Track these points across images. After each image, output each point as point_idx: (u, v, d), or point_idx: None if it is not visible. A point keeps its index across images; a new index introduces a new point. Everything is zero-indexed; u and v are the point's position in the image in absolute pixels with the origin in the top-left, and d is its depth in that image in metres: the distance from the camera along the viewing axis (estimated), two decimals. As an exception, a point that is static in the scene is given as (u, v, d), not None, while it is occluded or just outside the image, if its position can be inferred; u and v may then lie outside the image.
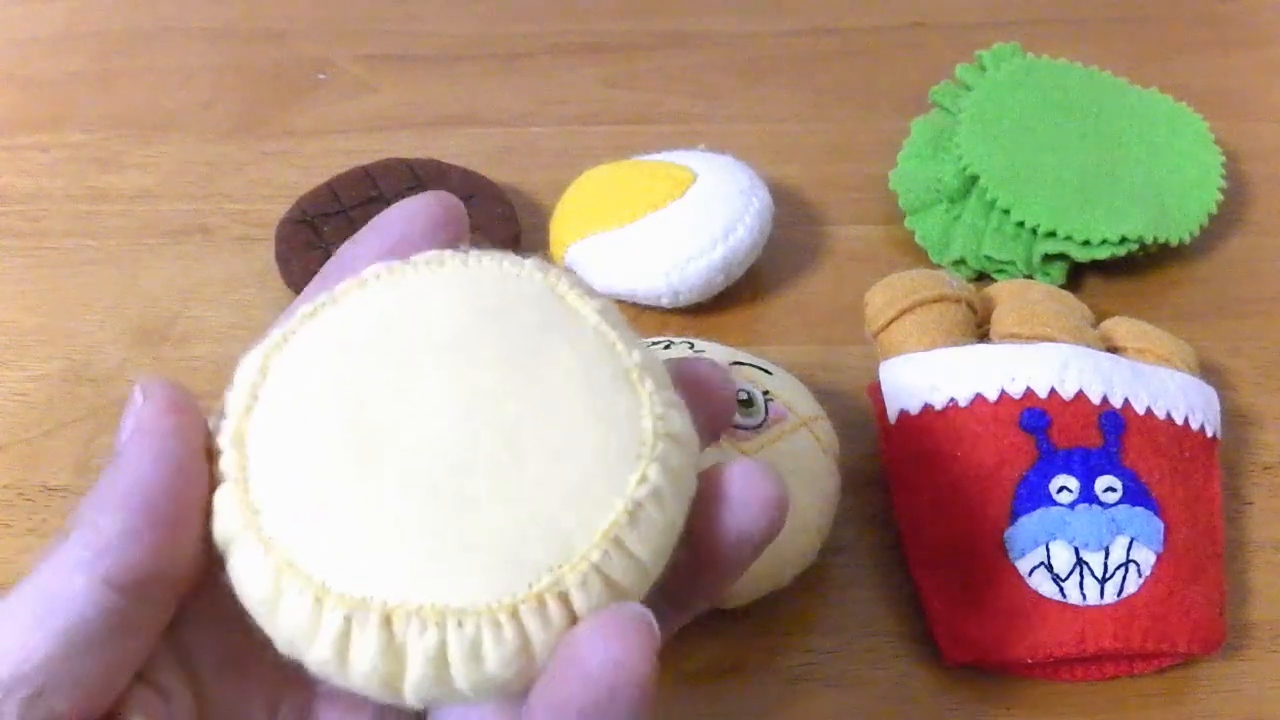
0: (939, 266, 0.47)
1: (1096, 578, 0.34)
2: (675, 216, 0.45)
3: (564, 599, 0.21)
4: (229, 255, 0.49)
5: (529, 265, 0.24)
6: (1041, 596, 0.34)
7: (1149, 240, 0.46)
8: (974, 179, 0.47)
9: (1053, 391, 0.36)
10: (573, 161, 0.51)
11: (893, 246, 0.49)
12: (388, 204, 0.48)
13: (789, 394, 0.38)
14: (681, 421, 0.23)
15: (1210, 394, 0.39)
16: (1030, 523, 0.35)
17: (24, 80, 0.60)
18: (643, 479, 0.22)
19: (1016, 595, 0.34)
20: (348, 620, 0.20)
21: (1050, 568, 0.34)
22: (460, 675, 0.21)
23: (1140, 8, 0.64)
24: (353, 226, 0.48)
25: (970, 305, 0.40)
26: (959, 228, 0.47)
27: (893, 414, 0.38)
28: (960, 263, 0.47)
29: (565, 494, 0.21)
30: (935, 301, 0.39)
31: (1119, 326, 0.40)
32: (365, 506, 0.21)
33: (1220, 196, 0.48)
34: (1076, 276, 0.47)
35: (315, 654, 0.21)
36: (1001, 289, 0.42)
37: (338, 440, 0.22)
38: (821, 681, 0.36)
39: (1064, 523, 0.35)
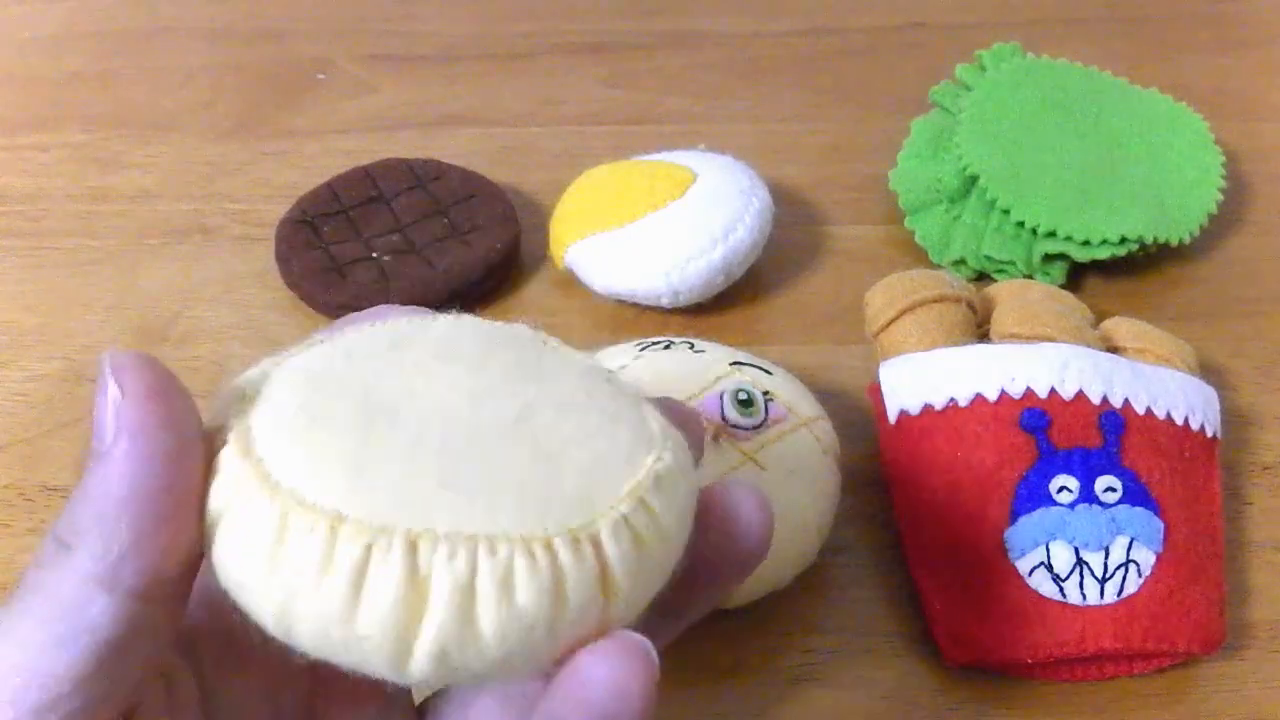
0: (939, 266, 0.47)
1: (1096, 578, 0.34)
2: (675, 216, 0.45)
3: (596, 543, 0.20)
4: (229, 255, 0.49)
5: (519, 324, 0.24)
6: (1042, 596, 0.34)
7: (1149, 240, 0.46)
8: (974, 179, 0.47)
9: (1053, 391, 0.36)
10: (573, 161, 0.51)
11: (893, 246, 0.49)
12: (388, 204, 0.49)
13: (789, 394, 0.38)
14: (680, 435, 0.23)
15: (1210, 394, 0.39)
16: (1030, 523, 0.35)
17: (24, 80, 0.60)
18: (658, 459, 0.21)
19: (1017, 595, 0.34)
20: (367, 550, 0.19)
21: (1050, 568, 0.34)
22: (488, 612, 0.19)
23: (1140, 8, 0.64)
24: (353, 226, 0.48)
25: (970, 305, 0.40)
26: (959, 228, 0.47)
27: (893, 414, 0.38)
28: (960, 263, 0.47)
29: (588, 459, 0.21)
30: (935, 302, 0.39)
31: (1119, 326, 0.40)
32: (376, 453, 0.20)
33: (1220, 196, 0.48)
34: (1076, 276, 0.47)
35: (323, 600, 0.19)
36: (1001, 289, 0.42)
37: (343, 409, 0.21)
38: (821, 681, 0.36)
39: (1064, 523, 0.35)
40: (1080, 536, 0.35)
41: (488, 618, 0.19)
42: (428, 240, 0.47)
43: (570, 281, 0.47)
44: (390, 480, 0.19)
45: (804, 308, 0.47)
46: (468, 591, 0.19)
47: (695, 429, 0.25)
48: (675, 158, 0.48)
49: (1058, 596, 0.34)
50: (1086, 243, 0.45)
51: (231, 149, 0.55)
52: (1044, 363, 0.37)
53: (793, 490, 0.35)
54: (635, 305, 0.46)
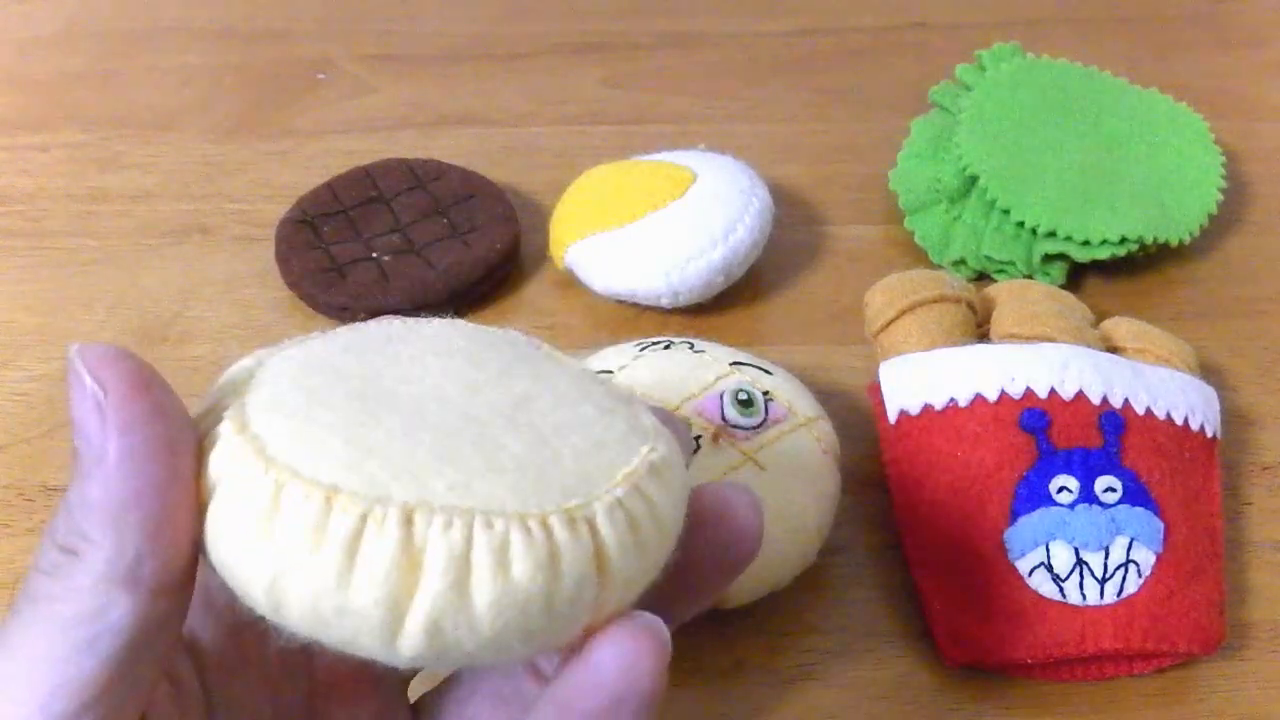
0: (939, 267, 0.47)
1: (1096, 578, 0.34)
2: (675, 216, 0.45)
3: (591, 524, 0.20)
4: (229, 255, 0.49)
5: (515, 331, 0.25)
6: (1041, 597, 0.34)
7: (1149, 241, 0.46)
8: (974, 179, 0.47)
9: (1053, 392, 0.36)
10: (573, 161, 0.51)
11: (893, 246, 0.49)
12: (387, 204, 0.49)
13: (789, 394, 0.38)
14: (670, 434, 0.23)
15: (1210, 394, 0.39)
16: (1030, 523, 0.35)
17: (24, 80, 0.60)
18: (653, 449, 0.21)
19: (1016, 595, 0.34)
20: (362, 519, 0.18)
21: (1050, 568, 0.34)
22: (482, 584, 0.19)
23: (1140, 8, 0.64)
24: (353, 226, 0.48)
25: (970, 305, 0.40)
26: (959, 228, 0.47)
27: (893, 414, 0.38)
28: (960, 263, 0.47)
29: (585, 444, 0.21)
30: (935, 302, 0.39)
31: (1119, 326, 0.40)
32: (374, 432, 0.20)
33: (1220, 196, 0.48)
34: (1076, 276, 0.47)
35: (315, 571, 0.18)
36: (1001, 289, 0.42)
37: (345, 388, 0.21)
38: (821, 681, 0.36)
39: (1064, 523, 0.35)
40: (1080, 537, 0.35)
41: (482, 590, 0.19)
42: (428, 240, 0.47)
43: (570, 281, 0.47)
44: (387, 455, 0.19)
45: (804, 308, 0.47)
46: (463, 563, 0.18)
47: (682, 435, 0.25)
48: (675, 158, 0.48)
49: (1057, 597, 0.34)
50: (1086, 243, 0.45)
51: (231, 149, 0.55)
52: (1044, 363, 0.37)
53: (792, 490, 0.35)
54: (635, 305, 0.46)
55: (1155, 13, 0.63)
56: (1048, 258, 0.46)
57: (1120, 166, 0.48)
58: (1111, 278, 0.48)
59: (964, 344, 0.38)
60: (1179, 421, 0.37)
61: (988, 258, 0.47)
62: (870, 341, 0.41)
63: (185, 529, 0.20)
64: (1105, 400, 0.37)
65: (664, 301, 0.45)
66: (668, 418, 0.25)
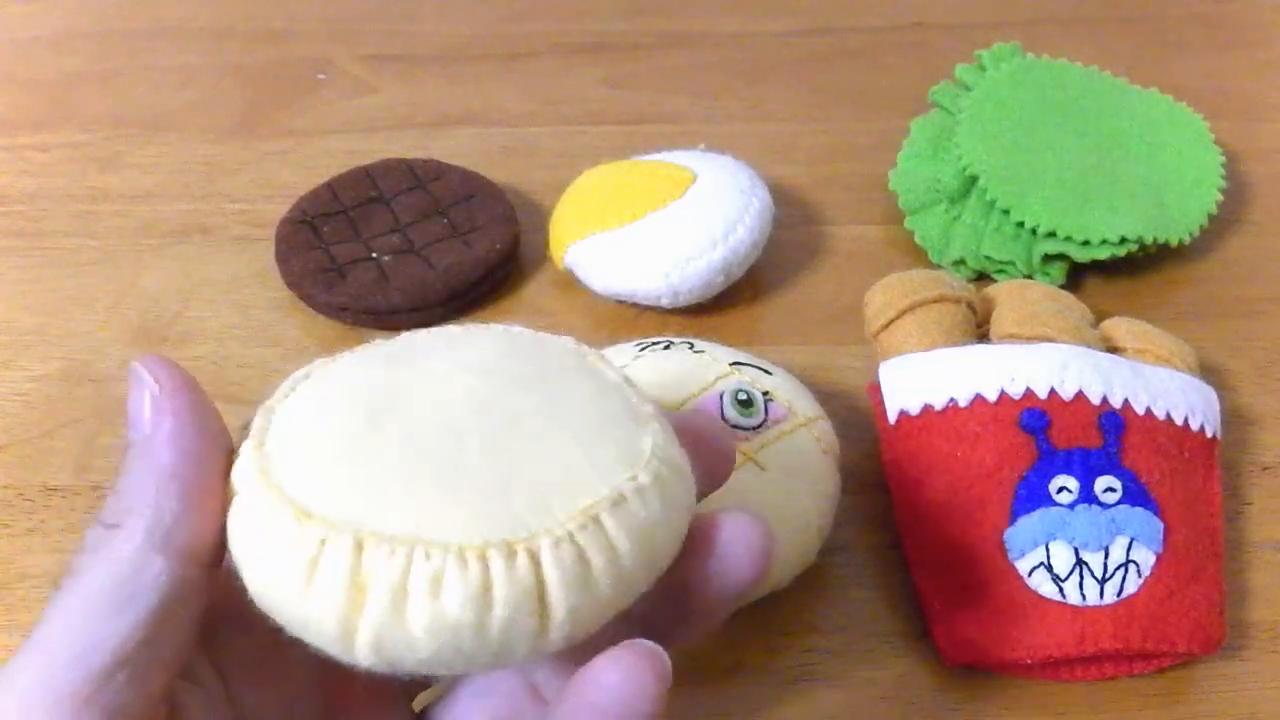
0: (939, 267, 0.47)
1: (1096, 578, 0.34)
2: (675, 216, 0.45)
3: (534, 557, 0.21)
4: (229, 255, 0.49)
5: (565, 337, 0.26)
6: (1041, 597, 0.34)
7: (1149, 241, 0.46)
8: (974, 179, 0.47)
9: (1052, 392, 0.36)
10: (573, 161, 0.51)
11: (893, 247, 0.49)
12: (387, 204, 0.49)
13: (789, 394, 0.38)
14: (681, 457, 0.24)
15: (1210, 394, 0.39)
16: (1030, 523, 0.35)
17: (24, 80, 0.60)
18: (632, 478, 0.22)
19: (1016, 595, 0.34)
20: (322, 542, 0.21)
21: (1050, 568, 0.34)
22: (417, 611, 0.20)
23: (1140, 8, 0.64)
24: (353, 226, 0.48)
25: (970, 305, 0.40)
26: (959, 228, 0.47)
27: (892, 414, 0.38)
28: (960, 263, 0.47)
29: (556, 474, 0.22)
30: (935, 302, 0.39)
31: (1119, 326, 0.40)
32: (360, 455, 0.22)
33: (1220, 196, 0.48)
34: (1076, 276, 0.47)
35: (282, 586, 0.21)
36: (1001, 289, 0.42)
37: (350, 411, 0.23)
38: (821, 681, 0.36)
39: (1064, 523, 0.35)
40: (1080, 537, 0.35)
41: (416, 615, 0.21)
42: (427, 240, 0.47)
43: (570, 281, 0.47)
44: (360, 483, 0.21)
45: (804, 308, 0.47)
46: (400, 591, 0.20)
47: (718, 447, 0.27)
48: (675, 158, 0.48)
49: (1057, 597, 0.34)
50: (1086, 243, 0.45)
51: (231, 149, 0.55)
52: (1043, 363, 0.37)
53: (792, 490, 0.35)
54: (635, 305, 0.46)
55: (1155, 13, 0.63)
56: (1048, 258, 0.46)
57: (1120, 166, 0.48)
58: (1111, 278, 0.48)
59: (964, 344, 0.38)
60: (1179, 422, 0.37)
61: (988, 258, 0.47)
62: (870, 341, 0.41)
63: (215, 504, 0.23)
64: (1105, 400, 0.37)
65: (664, 301, 0.45)
66: (705, 431, 0.26)
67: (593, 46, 0.61)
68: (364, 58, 0.61)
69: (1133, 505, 0.35)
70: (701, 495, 0.26)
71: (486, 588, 0.20)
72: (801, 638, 0.37)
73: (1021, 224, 0.46)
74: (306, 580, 0.21)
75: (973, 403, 0.36)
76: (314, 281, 0.46)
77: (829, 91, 0.58)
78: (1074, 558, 0.34)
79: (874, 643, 0.36)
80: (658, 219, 0.45)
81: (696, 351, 0.39)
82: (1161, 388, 0.38)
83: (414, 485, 0.21)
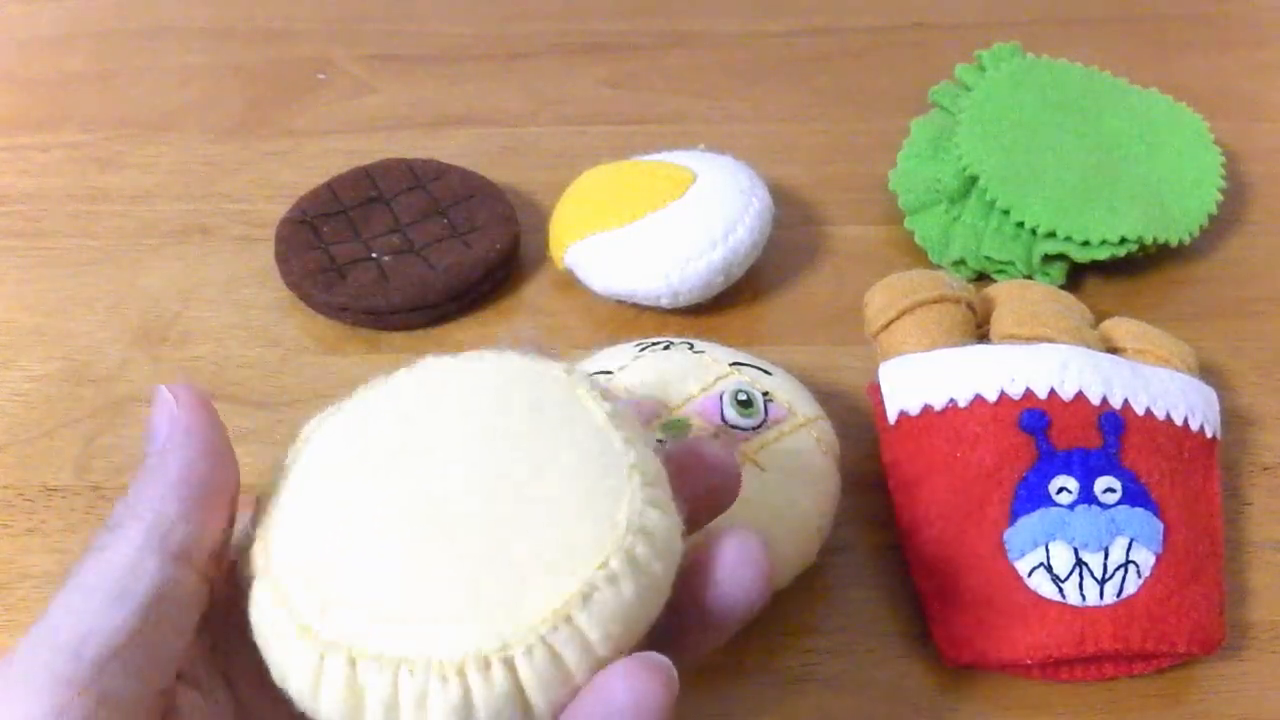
0: (939, 267, 0.47)
1: (1096, 578, 0.34)
2: (675, 217, 0.45)
3: (509, 664, 0.23)
4: (229, 255, 0.49)
5: (556, 367, 0.27)
6: (1041, 597, 0.34)
7: (1149, 241, 0.46)
8: (974, 179, 0.47)
9: (1052, 392, 0.36)
10: (573, 161, 0.51)
11: (892, 247, 0.49)
12: (387, 204, 0.49)
13: (789, 395, 0.38)
14: (659, 519, 0.25)
15: (1210, 394, 0.39)
16: (1030, 523, 0.35)
17: (24, 80, 0.60)
18: (603, 565, 0.24)
19: (1016, 596, 0.34)
20: (321, 658, 0.23)
21: (1050, 568, 0.34)
22: None
23: (1140, 8, 0.64)
24: (352, 226, 0.48)
25: (970, 306, 0.40)
26: (959, 228, 0.47)
27: (892, 415, 0.38)
28: (960, 263, 0.47)
29: (530, 570, 0.24)
30: (935, 302, 0.39)
31: (1119, 327, 0.40)
32: (351, 566, 0.24)
33: (1220, 197, 0.48)
34: (1076, 277, 0.47)
35: (295, 684, 0.24)
36: (1001, 289, 0.42)
37: (343, 507, 0.25)
38: (821, 681, 0.36)
39: (1063, 523, 0.35)
40: (1080, 537, 0.35)
41: None
42: (427, 240, 0.47)
43: (570, 281, 0.47)
44: (349, 601, 0.24)
45: (804, 308, 0.47)
46: (392, 705, 0.23)
47: (724, 480, 0.27)
48: (675, 158, 0.48)
49: (1057, 597, 0.34)
50: (1086, 243, 0.45)
51: (231, 149, 0.55)
52: (1043, 363, 0.37)
53: (792, 491, 0.35)
54: (635, 305, 0.46)
55: (1155, 13, 0.63)
56: (1047, 258, 0.46)
57: (1120, 166, 0.48)
58: (1111, 278, 0.48)
59: (964, 344, 0.38)
60: (1179, 422, 0.37)
61: (987, 258, 0.47)
62: (870, 342, 0.41)
63: (214, 516, 0.25)
64: (1105, 401, 0.37)
65: (664, 302, 0.45)
66: (705, 454, 0.27)
67: (593, 46, 0.61)
68: (364, 58, 0.61)
69: (1132, 506, 0.35)
70: (705, 522, 0.27)
71: (466, 700, 0.23)
72: (802, 638, 0.37)
73: (1021, 224, 0.46)
74: (313, 686, 0.23)
75: (972, 403, 0.36)
76: (314, 281, 0.46)
77: (829, 91, 0.58)
78: (1074, 558, 0.34)
79: (874, 643, 0.37)
80: (658, 219, 0.45)
81: (696, 352, 0.39)
82: (1161, 388, 0.38)
83: (401, 598, 0.23)
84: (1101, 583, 0.34)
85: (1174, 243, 0.46)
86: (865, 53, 0.61)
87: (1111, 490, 0.35)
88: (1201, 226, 0.47)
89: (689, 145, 0.50)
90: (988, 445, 0.36)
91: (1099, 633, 0.34)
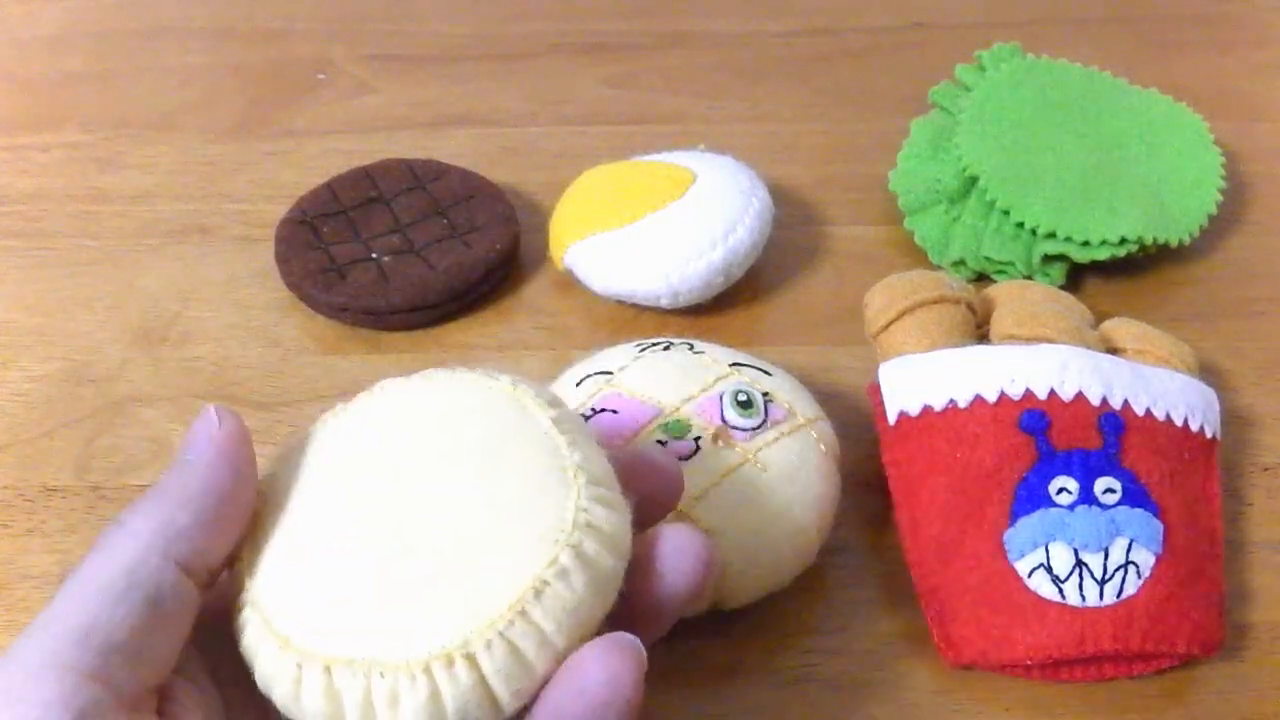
0: (939, 267, 0.47)
1: (1096, 579, 0.34)
2: (675, 217, 0.45)
3: (471, 659, 0.24)
4: (229, 255, 0.49)
5: (503, 379, 0.29)
6: (1041, 598, 0.34)
7: (1148, 241, 0.46)
8: (974, 179, 0.47)
9: (1052, 393, 0.36)
10: (573, 161, 0.51)
11: (892, 247, 0.49)
12: (387, 204, 0.49)
13: (789, 395, 0.38)
14: (605, 515, 0.26)
15: (1210, 395, 0.39)
16: (1030, 524, 0.35)
17: (24, 80, 0.60)
18: (553, 561, 0.25)
19: (1016, 596, 0.34)
20: (299, 668, 0.25)
21: (1050, 569, 0.34)
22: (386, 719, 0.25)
23: (1140, 8, 0.64)
24: (352, 227, 0.48)
25: (970, 306, 0.40)
26: (959, 228, 0.47)
27: (892, 415, 0.38)
28: (960, 263, 0.47)
29: (484, 573, 0.25)
30: (935, 303, 0.39)
31: (1119, 327, 0.40)
32: (322, 582, 0.26)
33: (1220, 197, 0.48)
34: (1076, 277, 0.47)
35: (279, 693, 0.26)
36: (1001, 290, 0.42)
37: (314, 529, 0.27)
38: (821, 682, 0.36)
39: (1063, 524, 0.35)
40: (1079, 538, 0.35)
41: None
42: (427, 241, 0.47)
43: (570, 282, 0.47)
44: (321, 613, 0.26)
45: (804, 308, 0.47)
46: (367, 705, 0.25)
47: (666, 479, 0.30)
48: (675, 158, 0.48)
49: (1057, 598, 0.34)
50: (1086, 243, 0.45)
51: (231, 149, 0.55)
52: (1043, 364, 0.37)
53: (792, 491, 0.35)
54: (635, 306, 0.46)
55: (1155, 13, 0.63)
56: (1047, 258, 0.46)
57: (1120, 166, 0.48)
58: (1111, 278, 0.48)
59: (964, 345, 0.38)
60: (1179, 422, 0.37)
61: (987, 258, 0.47)
62: (870, 342, 0.41)
63: (224, 539, 0.27)
64: (1105, 401, 0.37)
65: (664, 302, 0.45)
66: (648, 465, 0.29)
67: (593, 46, 0.61)
68: (364, 58, 0.61)
69: (1132, 506, 0.35)
70: (653, 520, 0.29)
71: (435, 696, 0.24)
72: (801, 638, 0.37)
73: (1021, 224, 0.46)
74: (295, 695, 0.25)
75: (972, 404, 0.36)
76: (314, 282, 0.46)
77: (829, 91, 0.58)
78: (1074, 559, 0.34)
79: (874, 643, 0.36)
80: (657, 219, 0.45)
81: (696, 352, 0.39)
82: (1161, 389, 0.38)
83: (369, 608, 0.25)
84: (1101, 583, 0.34)
85: (1174, 243, 0.46)
86: (865, 53, 0.61)
87: (1111, 491, 0.35)
88: (1201, 226, 0.47)
89: (689, 145, 0.50)
90: (988, 446, 0.36)
91: (1099, 633, 0.34)
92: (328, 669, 0.25)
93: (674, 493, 0.30)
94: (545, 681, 0.25)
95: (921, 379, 0.37)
